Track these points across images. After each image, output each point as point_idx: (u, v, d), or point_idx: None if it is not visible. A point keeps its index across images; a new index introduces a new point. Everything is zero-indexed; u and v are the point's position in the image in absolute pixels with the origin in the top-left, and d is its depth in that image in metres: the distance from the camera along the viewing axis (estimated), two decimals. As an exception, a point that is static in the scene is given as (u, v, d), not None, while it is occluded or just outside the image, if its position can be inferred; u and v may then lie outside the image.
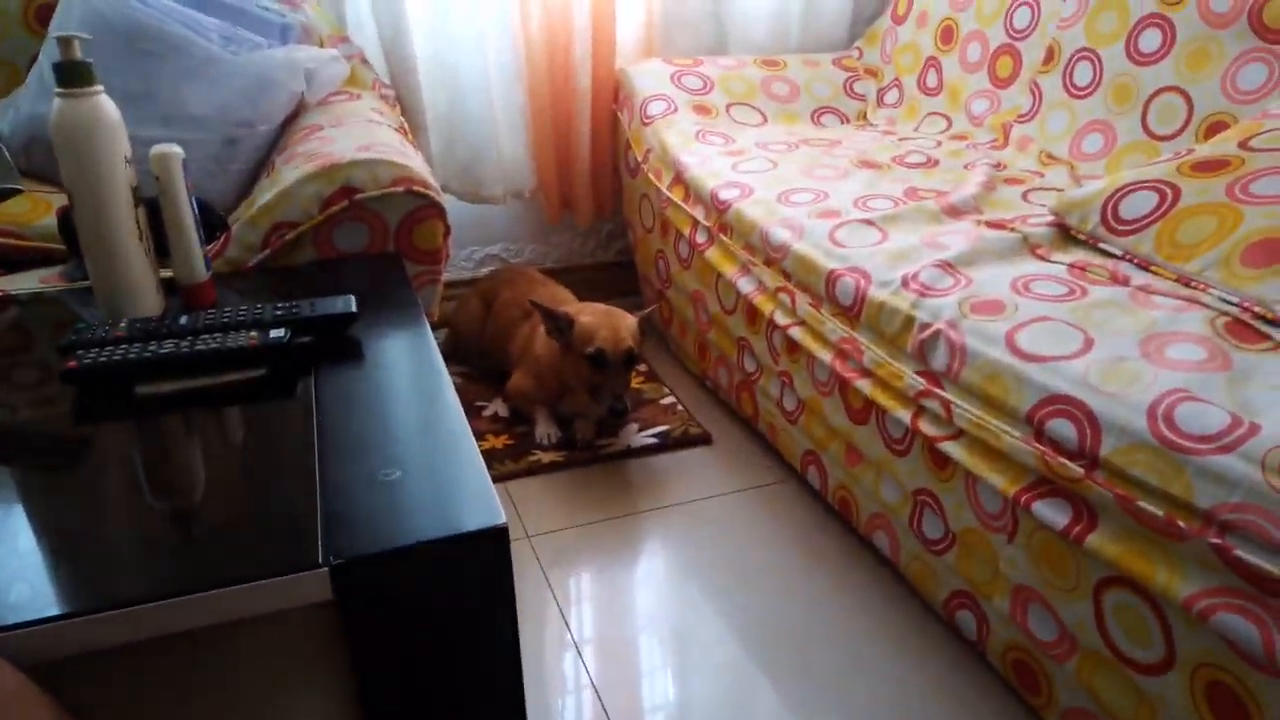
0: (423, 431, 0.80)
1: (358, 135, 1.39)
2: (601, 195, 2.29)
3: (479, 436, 1.80)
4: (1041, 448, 0.99)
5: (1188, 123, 1.55)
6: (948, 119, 2.03)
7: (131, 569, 0.65)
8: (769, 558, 1.49)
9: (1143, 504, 0.88)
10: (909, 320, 1.21)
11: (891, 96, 2.18)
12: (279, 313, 0.96)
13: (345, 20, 1.93)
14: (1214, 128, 1.50)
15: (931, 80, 2.10)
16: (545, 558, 1.49)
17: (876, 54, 2.28)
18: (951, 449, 1.14)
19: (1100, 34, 1.72)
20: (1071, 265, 1.24)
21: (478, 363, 2.05)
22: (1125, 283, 1.17)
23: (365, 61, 1.82)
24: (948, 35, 2.07)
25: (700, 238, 1.77)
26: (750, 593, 1.41)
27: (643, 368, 2.06)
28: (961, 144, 1.89)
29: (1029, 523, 1.03)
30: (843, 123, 2.18)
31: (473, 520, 0.66)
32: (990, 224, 1.40)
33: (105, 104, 0.96)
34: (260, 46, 1.50)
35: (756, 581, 1.43)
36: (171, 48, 1.44)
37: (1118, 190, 1.28)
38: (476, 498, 0.69)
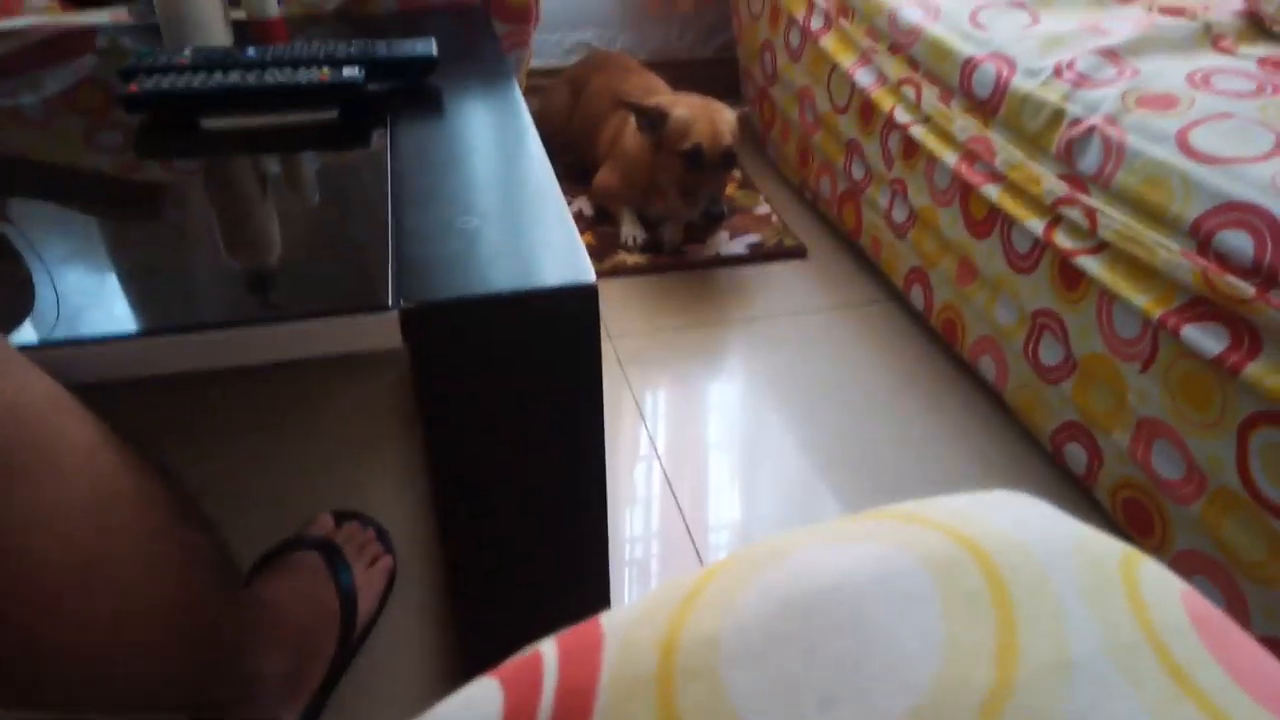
0: (505, 184, 0.72)
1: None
2: (707, -22, 2.08)
3: (561, 232, 1.72)
4: (1205, 263, 0.86)
5: None
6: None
7: (194, 299, 0.59)
8: (858, 378, 1.41)
9: (1327, 330, 0.76)
10: (1058, 115, 1.06)
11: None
12: (353, 52, 0.86)
13: None
14: None
15: None
16: (625, 358, 1.44)
17: None
18: (1089, 264, 1.01)
19: None
20: (1263, 60, 1.05)
21: (562, 156, 1.94)
22: (1330, 83, 0.99)
23: None
24: None
25: (816, 23, 1.59)
26: (833, 411, 1.34)
27: (737, 173, 1.92)
28: (1132, -72, 1.62)
29: (1172, 349, 0.92)
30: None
31: (557, 275, 0.58)
32: (1165, 10, 1.20)
33: None
34: None
35: (841, 400, 1.36)
36: None
37: (1335, -27, 1.06)
38: (563, 252, 0.61)
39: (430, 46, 0.87)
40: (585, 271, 0.59)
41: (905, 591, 0.22)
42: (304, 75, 0.81)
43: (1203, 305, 0.88)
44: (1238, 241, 0.84)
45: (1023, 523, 0.25)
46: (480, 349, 0.58)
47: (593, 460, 0.64)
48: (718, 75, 2.16)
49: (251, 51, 0.85)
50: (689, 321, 1.54)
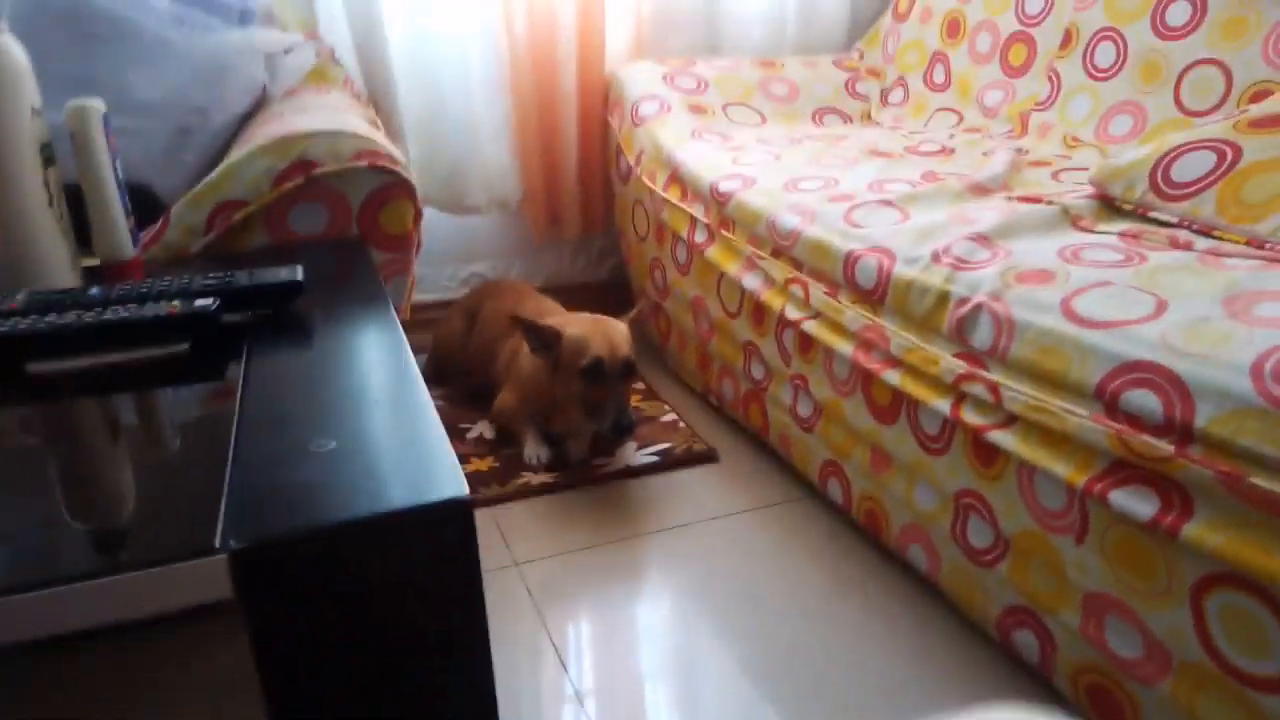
0: (372, 404, 0.65)
1: (322, 119, 1.26)
2: (591, 207, 2.16)
3: (462, 460, 1.64)
4: (1118, 425, 0.84)
5: (1227, 95, 1.43)
6: (959, 114, 1.91)
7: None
8: (786, 583, 1.32)
9: (1255, 480, 0.72)
10: (943, 297, 1.07)
11: (897, 95, 2.07)
12: (209, 283, 0.81)
13: (316, 16, 1.81)
14: (1257, 98, 1.37)
15: (939, 76, 1.98)
16: (536, 588, 1.32)
17: (879, 54, 2.17)
18: (1001, 439, 0.98)
19: (1122, 11, 1.60)
20: (1123, 234, 1.10)
21: (461, 383, 1.90)
22: (1188, 248, 1.03)
23: (336, 60, 1.70)
24: (954, 28, 1.97)
25: (699, 237, 1.63)
26: (766, 622, 1.24)
27: (640, 384, 1.91)
28: (976, 135, 1.76)
29: (1103, 517, 0.87)
30: (846, 123, 2.07)
31: (421, 492, 0.51)
32: (1022, 199, 1.27)
33: (8, 44, 0.82)
34: (215, 30, 1.37)
35: (772, 610, 1.26)
36: (117, 31, 1.31)
37: (1168, 153, 1.15)
38: (430, 468, 0.53)
39: (295, 272, 0.83)
40: (456, 485, 0.51)
41: None
42: (150, 309, 0.74)
43: (1125, 468, 0.85)
44: (1145, 400, 0.82)
45: None
46: (332, 592, 0.49)
47: (481, 708, 0.54)
48: (612, 295, 2.20)
49: (95, 290, 0.79)
50: (602, 539, 1.44)
